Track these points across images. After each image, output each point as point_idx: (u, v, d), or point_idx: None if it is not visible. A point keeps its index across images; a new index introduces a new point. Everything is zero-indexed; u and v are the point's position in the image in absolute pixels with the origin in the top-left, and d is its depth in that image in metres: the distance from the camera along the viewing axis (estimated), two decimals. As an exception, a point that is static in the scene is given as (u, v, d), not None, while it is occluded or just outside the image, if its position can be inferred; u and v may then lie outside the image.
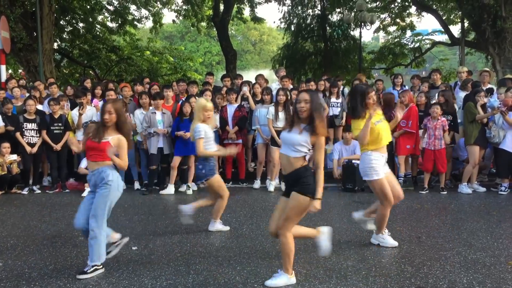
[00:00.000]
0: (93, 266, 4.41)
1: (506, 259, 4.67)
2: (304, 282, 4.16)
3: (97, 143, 4.49)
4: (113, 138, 4.49)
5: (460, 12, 19.92)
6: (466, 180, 8.14)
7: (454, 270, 4.41)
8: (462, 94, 9.07)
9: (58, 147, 8.59)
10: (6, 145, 8.35)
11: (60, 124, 8.69)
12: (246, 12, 23.88)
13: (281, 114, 8.34)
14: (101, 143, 4.47)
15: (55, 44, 18.98)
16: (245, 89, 9.40)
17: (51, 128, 8.63)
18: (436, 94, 9.00)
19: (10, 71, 21.05)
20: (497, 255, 4.83)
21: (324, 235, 4.42)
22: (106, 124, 4.50)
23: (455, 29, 23.54)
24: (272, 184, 8.45)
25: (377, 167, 4.94)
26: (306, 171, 4.02)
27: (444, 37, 24.47)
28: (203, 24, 24.24)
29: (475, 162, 8.08)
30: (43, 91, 10.10)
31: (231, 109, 8.97)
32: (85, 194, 8.16)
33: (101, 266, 4.47)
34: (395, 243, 5.14)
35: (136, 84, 10.56)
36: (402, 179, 8.18)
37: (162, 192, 8.31)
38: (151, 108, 8.59)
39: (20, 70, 21.06)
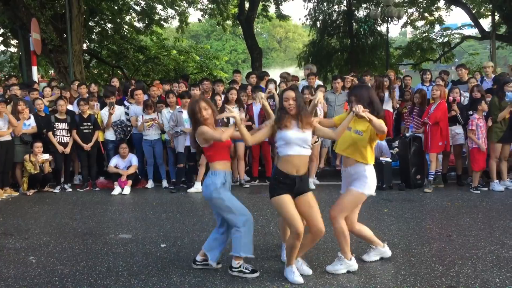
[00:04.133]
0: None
1: (541, 258, 4.55)
2: (332, 280, 4.14)
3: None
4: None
5: (490, 5, 19.47)
6: (494, 177, 7.95)
7: (486, 269, 4.32)
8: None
9: (88, 147, 8.77)
10: (39, 144, 8.55)
11: (89, 124, 8.86)
12: (272, 9, 23.88)
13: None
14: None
15: (84, 45, 19.32)
16: (271, 86, 9.38)
17: (81, 127, 8.81)
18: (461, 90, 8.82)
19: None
20: (531, 254, 4.71)
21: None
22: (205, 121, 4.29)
23: (485, 23, 23.04)
24: (311, 181, 8.30)
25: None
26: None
27: (474, 31, 23.98)
28: (229, 22, 24.33)
29: (496, 157, 7.88)
30: (74, 91, 10.31)
31: (257, 108, 8.97)
32: (114, 192, 8.31)
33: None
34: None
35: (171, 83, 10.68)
36: (433, 176, 8.04)
37: (189, 190, 8.38)
38: (178, 107, 8.67)
39: (51, 71, 21.54)
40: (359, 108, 4.01)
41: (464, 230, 5.63)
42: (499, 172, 8.04)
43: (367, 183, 4.30)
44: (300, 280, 4.08)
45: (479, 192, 7.74)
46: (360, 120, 4.24)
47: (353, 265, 4.35)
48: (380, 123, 4.08)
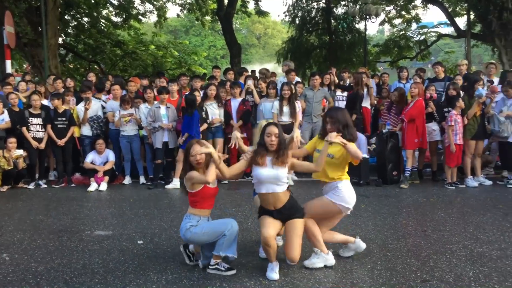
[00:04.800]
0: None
1: (512, 253, 4.65)
2: (309, 275, 4.16)
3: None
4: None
5: (466, 4, 19.78)
6: (469, 173, 8.10)
7: (460, 263, 4.40)
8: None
9: (61, 142, 8.62)
10: (13, 140, 8.37)
11: (64, 119, 8.72)
12: (251, 5, 23.84)
13: (286, 109, 8.33)
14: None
15: (60, 39, 19.00)
16: (250, 82, 9.38)
17: (55, 123, 8.66)
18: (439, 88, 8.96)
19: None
20: (503, 248, 4.81)
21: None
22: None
23: (461, 21, 23.41)
24: (289, 177, 8.33)
25: None
26: (292, 198, 4.29)
27: (450, 30, 24.40)
28: (208, 18, 24.21)
29: (471, 153, 8.03)
30: (50, 86, 10.12)
31: (235, 103, 8.96)
32: (91, 189, 8.21)
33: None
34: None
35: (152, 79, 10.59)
36: (409, 172, 8.15)
37: (167, 186, 8.32)
38: (155, 102, 8.59)
39: (25, 65, 21.12)
40: (332, 137, 4.09)
41: (439, 225, 5.72)
42: (473, 168, 8.19)
43: (339, 195, 4.34)
44: (275, 276, 4.10)
45: (453, 188, 7.87)
46: (330, 144, 4.27)
47: (330, 259, 4.39)
48: (355, 150, 4.17)
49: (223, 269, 4.20)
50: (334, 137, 4.08)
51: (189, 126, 8.04)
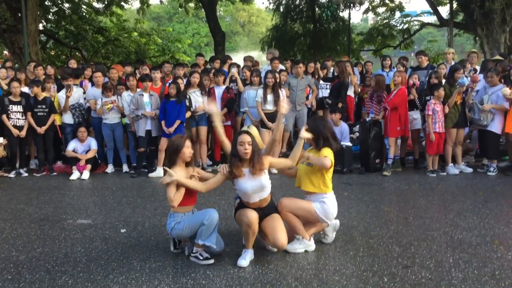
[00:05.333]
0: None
1: (491, 239, 4.73)
2: (293, 262, 4.19)
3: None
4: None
5: (449, -7, 19.84)
6: (449, 160, 8.20)
7: (440, 249, 4.46)
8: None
9: (41, 130, 8.50)
10: (-8, 128, 8.24)
11: (44, 107, 8.58)
12: (235, -8, 23.61)
13: (270, 97, 8.31)
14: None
15: (40, 25, 18.62)
16: (234, 70, 9.34)
17: (35, 110, 8.52)
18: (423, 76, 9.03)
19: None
20: (483, 234, 4.89)
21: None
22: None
23: (444, 10, 23.48)
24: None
25: None
26: (272, 202, 4.43)
27: (432, 19, 24.42)
28: (191, 5, 23.91)
29: (452, 141, 8.13)
30: (31, 74, 9.93)
31: (219, 91, 8.91)
32: (73, 177, 8.12)
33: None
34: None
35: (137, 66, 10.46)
36: (392, 160, 8.23)
37: (151, 174, 8.28)
38: (138, 90, 8.50)
39: (5, 52, 20.70)
40: (303, 133, 4.31)
41: (420, 212, 5.80)
42: (454, 156, 8.29)
43: (324, 209, 4.43)
44: (243, 263, 4.11)
45: (435, 175, 7.97)
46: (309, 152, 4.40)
47: (311, 245, 4.48)
48: (318, 159, 4.25)
49: (201, 257, 4.20)
50: (304, 131, 4.28)
51: (180, 113, 8.03)
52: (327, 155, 4.31)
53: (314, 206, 4.43)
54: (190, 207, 4.38)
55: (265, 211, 4.31)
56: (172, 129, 8.00)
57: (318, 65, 10.15)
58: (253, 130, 4.57)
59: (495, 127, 7.99)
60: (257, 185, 4.17)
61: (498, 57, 10.52)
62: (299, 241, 4.45)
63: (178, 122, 8.04)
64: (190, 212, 4.37)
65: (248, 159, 4.18)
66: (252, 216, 4.11)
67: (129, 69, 10.12)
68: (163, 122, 8.11)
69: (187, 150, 4.32)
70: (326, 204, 4.44)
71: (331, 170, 4.46)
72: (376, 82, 8.74)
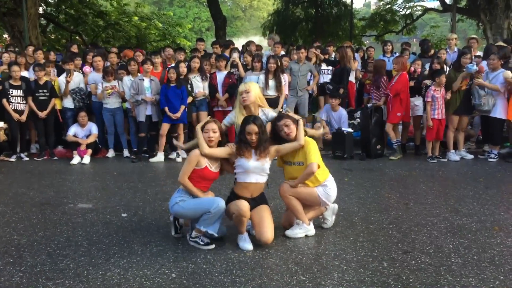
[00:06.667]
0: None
1: (491, 225, 4.75)
2: (293, 247, 4.20)
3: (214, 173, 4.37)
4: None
5: (452, -22, 19.65)
6: (451, 147, 8.19)
7: (440, 235, 4.48)
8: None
9: (42, 115, 8.49)
10: (-8, 112, 8.23)
11: (45, 91, 8.56)
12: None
13: (271, 82, 8.28)
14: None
15: (40, 9, 18.48)
16: (235, 55, 9.29)
17: (36, 95, 8.50)
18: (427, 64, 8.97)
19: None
20: (483, 220, 4.90)
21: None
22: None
23: (447, -4, 23.26)
24: None
25: None
26: (264, 195, 4.47)
27: (435, 4, 24.36)
28: (192, -11, 23.73)
29: (454, 127, 8.11)
30: (31, 57, 9.88)
31: (220, 76, 8.88)
32: (74, 162, 8.13)
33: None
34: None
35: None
36: (398, 144, 8.26)
37: (151, 159, 8.29)
38: (139, 74, 8.47)
39: (5, 36, 20.57)
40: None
41: (421, 198, 5.81)
42: (455, 142, 8.28)
43: (327, 193, 4.48)
44: (249, 247, 4.15)
45: (435, 161, 7.97)
46: (296, 152, 4.41)
47: (311, 229, 4.51)
48: (308, 173, 4.29)
49: (201, 243, 4.21)
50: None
51: (183, 98, 8.02)
52: (312, 157, 4.31)
53: (316, 190, 4.45)
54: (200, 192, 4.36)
55: (256, 201, 4.34)
56: (178, 114, 8.00)
57: (318, 51, 10.06)
58: (253, 86, 4.57)
59: (499, 112, 7.95)
60: (259, 166, 4.25)
61: (501, 43, 10.44)
62: (299, 226, 4.46)
63: (183, 107, 8.05)
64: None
65: (255, 147, 4.26)
66: (245, 206, 4.12)
67: (131, 53, 10.04)
68: (166, 108, 8.07)
69: (206, 133, 4.30)
70: (328, 188, 4.48)
71: (320, 158, 4.45)
72: (375, 68, 8.71)
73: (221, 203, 4.14)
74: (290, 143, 4.42)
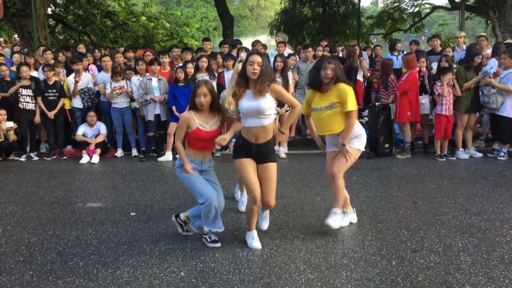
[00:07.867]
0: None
1: (501, 223, 4.72)
2: (301, 246, 4.21)
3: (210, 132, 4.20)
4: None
5: (461, -24, 19.53)
6: (460, 145, 8.14)
7: (449, 234, 4.46)
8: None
9: (51, 115, 8.55)
10: (2, 112, 8.29)
11: (54, 91, 8.62)
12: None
13: (278, 81, 8.26)
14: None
15: (49, 9, 18.60)
16: (243, 55, 9.27)
17: (45, 94, 8.56)
18: (435, 62, 8.91)
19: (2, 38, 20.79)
20: (492, 219, 4.88)
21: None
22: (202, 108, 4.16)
23: (455, -7, 23.13)
24: (281, 150, 8.40)
25: None
26: (272, 139, 4.17)
27: (444, 1, 24.28)
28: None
29: (463, 126, 8.07)
30: (41, 58, 9.95)
31: (228, 75, 8.87)
32: (83, 161, 8.18)
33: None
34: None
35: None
36: (409, 144, 8.29)
37: (160, 159, 8.32)
38: (147, 74, 8.50)
39: (14, 36, 20.74)
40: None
41: (429, 197, 5.79)
42: (464, 140, 8.23)
43: (362, 141, 4.57)
44: (257, 245, 4.16)
45: (444, 160, 7.93)
46: (324, 96, 4.37)
47: (354, 217, 4.75)
48: (350, 127, 4.37)
49: (209, 240, 4.25)
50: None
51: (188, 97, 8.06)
52: (351, 104, 4.35)
53: (357, 147, 4.51)
54: (200, 154, 4.24)
55: (261, 150, 4.04)
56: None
57: (327, 50, 10.03)
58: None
59: (507, 111, 7.90)
60: (254, 106, 3.91)
61: (509, 40, 10.38)
62: (343, 215, 4.58)
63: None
64: (199, 160, 4.23)
65: (254, 80, 3.93)
66: (257, 192, 4.00)
67: (131, 54, 10.07)
68: (174, 108, 8.11)
69: (197, 98, 4.14)
70: (362, 135, 4.54)
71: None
72: (382, 67, 8.67)
73: (211, 200, 4.07)
74: (293, 99, 4.18)
